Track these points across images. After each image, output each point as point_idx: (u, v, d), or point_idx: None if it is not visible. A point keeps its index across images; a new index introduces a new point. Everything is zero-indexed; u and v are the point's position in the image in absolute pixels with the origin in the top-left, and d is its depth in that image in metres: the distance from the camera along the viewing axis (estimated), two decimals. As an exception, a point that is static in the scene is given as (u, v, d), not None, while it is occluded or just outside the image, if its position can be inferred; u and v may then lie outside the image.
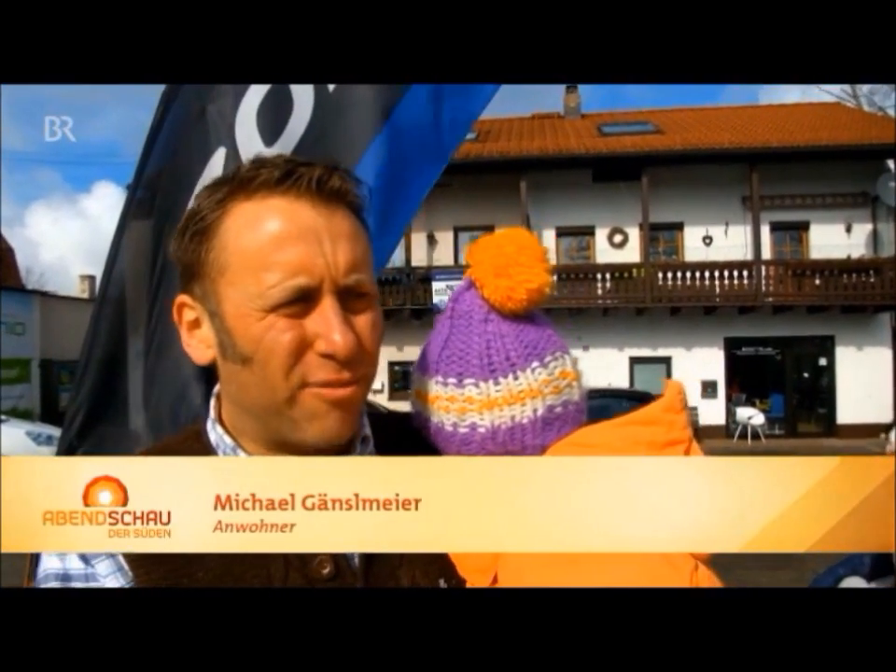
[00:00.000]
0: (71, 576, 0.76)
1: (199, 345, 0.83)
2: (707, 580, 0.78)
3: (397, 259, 20.36)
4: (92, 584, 0.76)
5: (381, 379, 20.20)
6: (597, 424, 0.87)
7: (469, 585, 0.84)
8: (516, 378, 0.85)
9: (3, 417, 12.52)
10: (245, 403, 0.82)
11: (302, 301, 0.75)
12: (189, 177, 1.65)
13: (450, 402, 0.86)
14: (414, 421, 0.93)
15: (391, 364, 20.09)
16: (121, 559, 0.76)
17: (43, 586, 0.76)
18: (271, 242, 0.76)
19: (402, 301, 19.68)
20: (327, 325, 0.75)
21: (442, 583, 0.85)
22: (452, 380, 0.86)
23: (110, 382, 1.72)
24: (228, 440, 0.84)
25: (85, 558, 0.76)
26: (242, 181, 0.78)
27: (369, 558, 0.82)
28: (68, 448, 1.70)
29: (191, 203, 0.83)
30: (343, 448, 0.85)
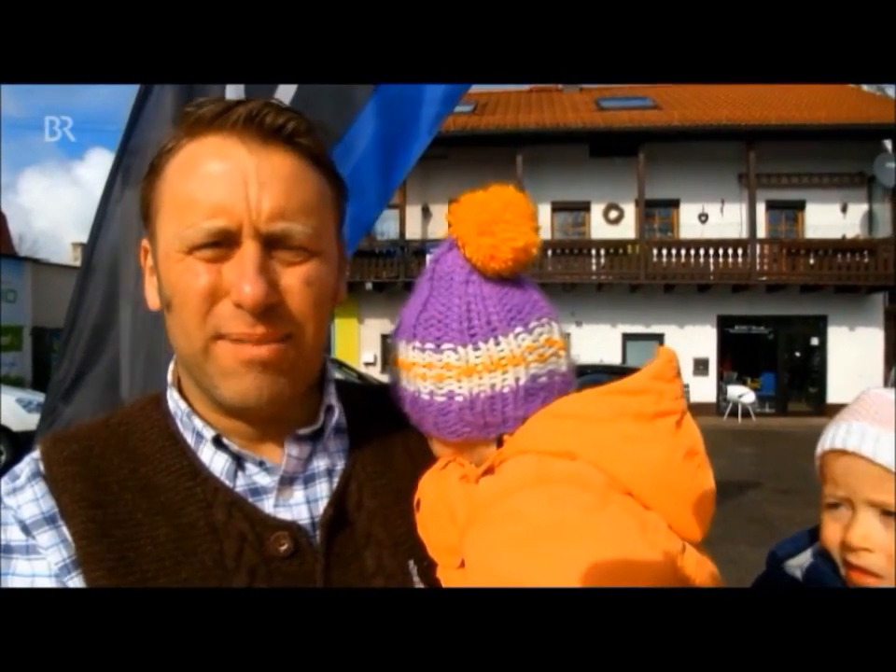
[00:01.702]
0: (12, 548, 0.71)
1: (151, 290, 0.80)
2: (696, 564, 0.75)
3: (391, 231, 20.26)
4: (33, 557, 0.71)
5: (373, 352, 20.23)
6: (580, 393, 0.82)
7: (439, 567, 0.81)
8: (497, 344, 0.79)
9: (-6, 384, 12.48)
10: (177, 353, 0.78)
11: (223, 245, 0.71)
12: None
13: (427, 369, 0.81)
14: (391, 391, 0.89)
15: (384, 337, 20.09)
16: (65, 531, 0.71)
17: None
18: (195, 180, 0.72)
19: (396, 273, 19.59)
20: (240, 273, 0.70)
21: (412, 565, 0.81)
22: (430, 345, 0.81)
23: (99, 348, 1.71)
24: (183, 406, 0.80)
25: (27, 529, 0.71)
26: (188, 119, 0.74)
27: (330, 536, 0.78)
28: (53, 411, 1.70)
29: None
30: (309, 418, 0.82)
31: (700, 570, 0.75)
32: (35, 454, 0.77)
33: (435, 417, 0.82)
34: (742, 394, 18.97)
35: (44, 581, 0.70)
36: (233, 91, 1.59)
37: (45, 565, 0.71)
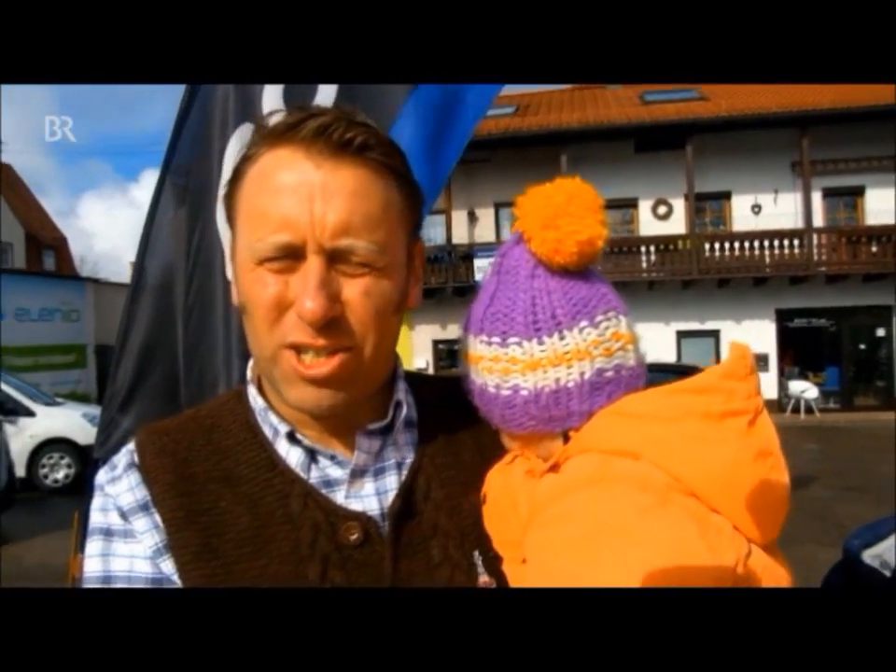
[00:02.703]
0: (113, 531, 0.78)
1: (235, 290, 0.84)
2: (762, 568, 0.73)
3: (438, 236, 20.34)
4: (131, 540, 0.77)
5: (425, 357, 20.32)
6: (645, 391, 0.81)
7: (504, 560, 0.82)
8: (562, 337, 0.79)
9: (60, 400, 13.01)
10: (252, 354, 0.82)
11: (290, 257, 0.74)
12: (220, 158, 1.67)
13: (493, 362, 0.82)
14: (463, 383, 0.90)
15: (435, 342, 20.16)
16: (157, 518, 0.77)
17: (90, 539, 0.78)
18: (265, 193, 0.75)
19: (444, 279, 19.64)
20: (304, 287, 0.73)
21: (477, 556, 0.83)
22: (496, 339, 0.82)
23: (150, 364, 1.77)
24: (260, 402, 0.85)
25: (124, 515, 0.78)
26: (264, 128, 0.78)
27: (398, 526, 0.81)
28: (110, 423, 1.76)
29: None
30: (379, 413, 0.85)
31: (767, 574, 0.73)
32: (131, 445, 0.83)
33: (501, 410, 0.83)
34: (804, 389, 18.40)
35: (140, 563, 0.77)
36: (272, 92, 1.61)
37: (141, 547, 0.77)
